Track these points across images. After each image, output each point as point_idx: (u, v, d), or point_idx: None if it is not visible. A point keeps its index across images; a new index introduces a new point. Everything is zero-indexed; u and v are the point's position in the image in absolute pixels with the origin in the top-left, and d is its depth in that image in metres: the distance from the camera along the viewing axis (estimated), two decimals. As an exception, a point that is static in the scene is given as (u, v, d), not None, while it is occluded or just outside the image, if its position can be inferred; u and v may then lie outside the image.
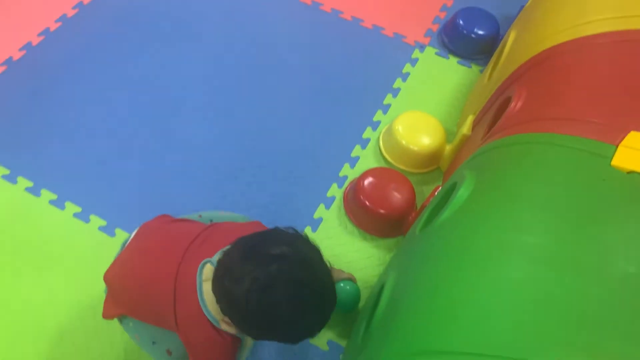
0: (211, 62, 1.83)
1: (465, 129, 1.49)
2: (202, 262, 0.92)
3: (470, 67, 1.92)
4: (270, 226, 0.99)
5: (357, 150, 1.66)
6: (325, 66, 1.87)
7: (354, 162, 1.63)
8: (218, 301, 0.86)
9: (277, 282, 0.79)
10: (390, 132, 1.63)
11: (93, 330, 1.28)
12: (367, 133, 1.70)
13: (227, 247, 0.89)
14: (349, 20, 1.99)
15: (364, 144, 1.68)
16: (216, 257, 0.92)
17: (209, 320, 0.90)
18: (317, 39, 1.94)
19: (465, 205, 0.98)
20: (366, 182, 1.48)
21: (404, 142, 1.59)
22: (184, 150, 1.61)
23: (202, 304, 0.89)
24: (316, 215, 1.51)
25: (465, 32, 1.90)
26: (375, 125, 1.72)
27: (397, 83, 1.84)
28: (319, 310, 0.86)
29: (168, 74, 1.78)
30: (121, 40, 1.84)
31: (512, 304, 0.78)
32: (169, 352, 1.02)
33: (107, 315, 1.05)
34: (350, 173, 1.60)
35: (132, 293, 1.00)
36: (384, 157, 1.65)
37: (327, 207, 1.53)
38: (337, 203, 1.54)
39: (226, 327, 0.88)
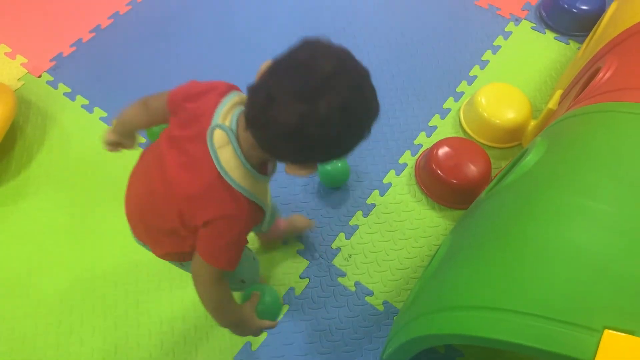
0: (298, 15, 1.87)
1: (552, 103, 1.41)
2: (209, 130, 0.82)
3: (568, 43, 1.81)
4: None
5: (435, 120, 1.63)
6: (412, 32, 1.84)
7: (430, 131, 1.61)
8: (274, 150, 0.78)
9: (352, 104, 0.74)
10: (472, 103, 1.58)
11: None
12: (449, 103, 1.67)
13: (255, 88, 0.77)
14: (443, -11, 1.95)
15: (444, 114, 1.64)
16: (229, 121, 0.82)
17: (232, 187, 0.82)
18: (407, 4, 1.92)
19: (533, 169, 0.94)
20: (440, 150, 1.45)
21: (485, 114, 1.54)
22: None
23: (223, 172, 0.81)
24: (385, 180, 1.51)
25: (566, 6, 1.80)
26: (458, 96, 1.68)
27: (487, 55, 1.78)
28: (375, 114, 0.81)
29: (258, 26, 1.84)
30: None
31: (569, 267, 0.75)
32: (242, 281, 1.10)
33: None
34: (425, 142, 1.58)
35: None
36: (463, 129, 1.61)
37: (398, 173, 1.52)
38: (408, 170, 1.53)
39: (291, 172, 0.81)
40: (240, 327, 0.95)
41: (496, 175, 1.33)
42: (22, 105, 1.67)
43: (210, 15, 1.91)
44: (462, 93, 1.69)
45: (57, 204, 1.48)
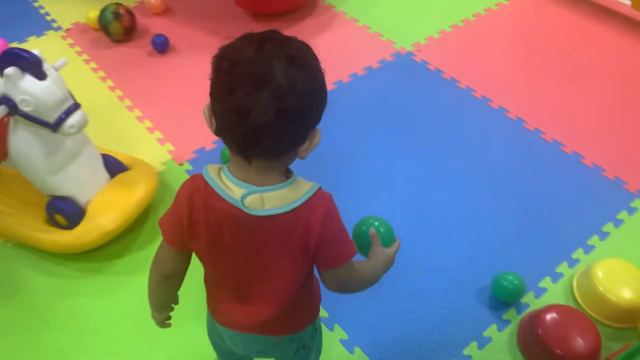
0: (425, 165, 1.96)
1: (677, 293, 1.35)
2: (243, 209, 0.79)
3: (699, 232, 1.74)
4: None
5: (546, 282, 1.59)
6: (535, 193, 1.85)
7: (539, 292, 1.57)
8: (285, 148, 0.78)
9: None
10: (588, 273, 1.54)
11: None
12: (562, 268, 1.63)
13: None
14: (569, 154, 1.97)
15: (556, 277, 1.61)
16: (235, 188, 0.80)
17: (296, 208, 0.80)
18: (532, 164, 1.95)
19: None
20: (548, 315, 1.41)
21: (601, 288, 1.49)
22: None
23: (289, 208, 0.80)
24: (486, 334, 1.47)
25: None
26: (573, 263, 1.64)
27: (608, 227, 1.74)
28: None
29: (381, 160, 1.95)
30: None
31: None
32: None
33: None
34: (532, 302, 1.54)
35: None
36: (574, 298, 1.56)
37: (500, 329, 1.48)
38: (511, 328, 1.48)
39: (306, 153, 0.81)
40: (388, 264, 0.97)
41: (607, 358, 1.26)
42: (160, 187, 1.84)
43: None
44: (578, 260, 1.65)
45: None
